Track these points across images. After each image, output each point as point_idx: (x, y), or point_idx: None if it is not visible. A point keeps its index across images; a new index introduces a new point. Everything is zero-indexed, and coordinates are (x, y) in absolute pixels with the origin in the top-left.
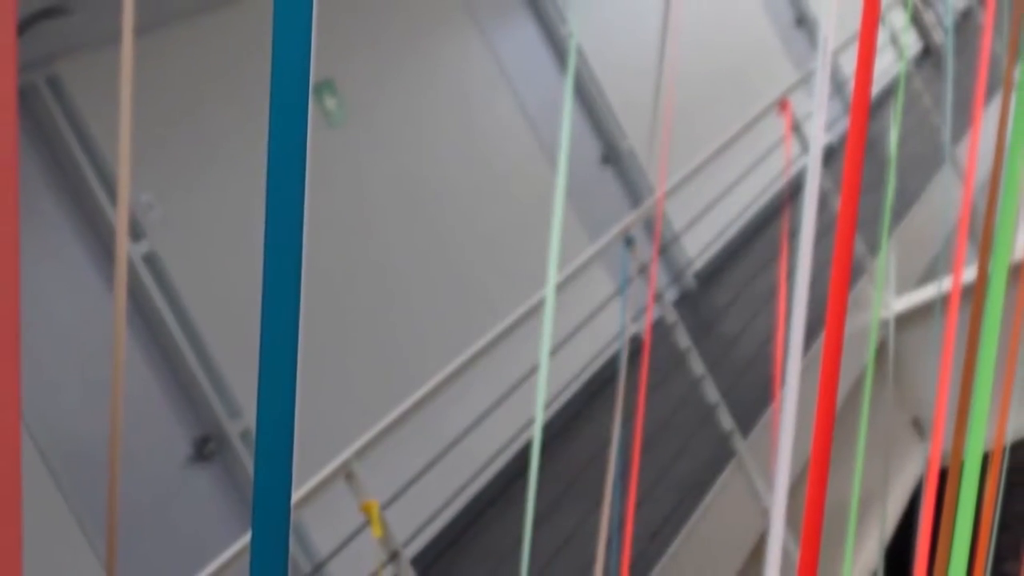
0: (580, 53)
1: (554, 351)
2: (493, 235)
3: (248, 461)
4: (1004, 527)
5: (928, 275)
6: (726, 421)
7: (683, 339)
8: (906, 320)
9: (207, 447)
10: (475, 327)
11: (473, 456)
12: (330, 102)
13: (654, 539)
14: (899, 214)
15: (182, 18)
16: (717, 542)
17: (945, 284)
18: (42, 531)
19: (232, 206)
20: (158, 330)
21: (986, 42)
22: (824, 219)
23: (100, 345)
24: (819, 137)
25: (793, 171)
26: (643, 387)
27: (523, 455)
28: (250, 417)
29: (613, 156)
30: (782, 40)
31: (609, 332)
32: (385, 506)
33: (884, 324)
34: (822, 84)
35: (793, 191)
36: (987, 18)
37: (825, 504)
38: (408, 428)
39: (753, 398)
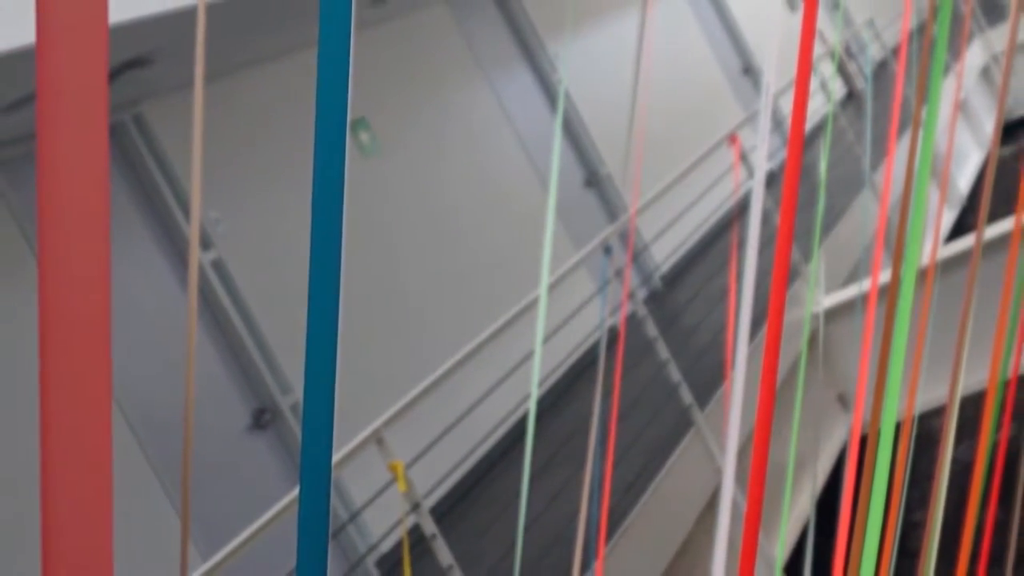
0: (568, 96)
1: (546, 340)
2: (496, 244)
3: (297, 429)
4: (913, 483)
5: (851, 277)
6: (686, 397)
7: (651, 330)
8: (833, 314)
9: (263, 417)
10: (482, 320)
11: (480, 425)
12: (364, 136)
13: (628, 492)
14: (828, 228)
15: (243, 68)
16: (679, 495)
17: (865, 285)
18: (128, 485)
19: (284, 221)
20: (223, 321)
21: (899, 88)
22: (767, 232)
23: (175, 333)
24: (762, 165)
25: (741, 193)
26: (619, 369)
27: (521, 424)
28: (299, 392)
29: (594, 180)
30: (732, 86)
31: (591, 324)
32: (409, 466)
33: (815, 317)
34: (765, 122)
35: (741, 209)
36: (900, 68)
37: (767, 464)
38: (427, 402)
39: (708, 378)
